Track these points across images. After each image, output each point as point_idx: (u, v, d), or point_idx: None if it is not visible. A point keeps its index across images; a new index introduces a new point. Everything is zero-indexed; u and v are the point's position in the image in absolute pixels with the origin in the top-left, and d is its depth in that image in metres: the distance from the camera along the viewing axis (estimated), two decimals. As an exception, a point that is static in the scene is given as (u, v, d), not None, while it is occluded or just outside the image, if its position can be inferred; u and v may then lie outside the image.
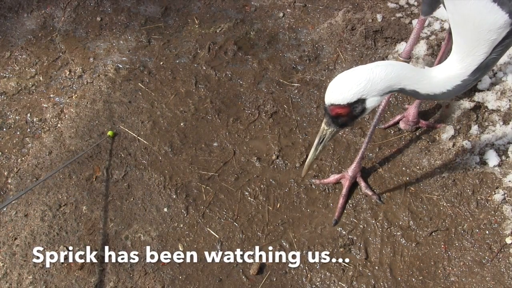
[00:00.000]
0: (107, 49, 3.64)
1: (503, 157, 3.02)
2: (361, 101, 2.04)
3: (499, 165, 2.99)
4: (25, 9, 3.82)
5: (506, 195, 2.89)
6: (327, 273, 2.78)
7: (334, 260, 2.81)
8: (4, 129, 3.31)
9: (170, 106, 3.37)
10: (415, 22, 2.73)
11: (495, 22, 1.88)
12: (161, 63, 3.57)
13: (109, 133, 3.20)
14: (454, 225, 2.87)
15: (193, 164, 3.14)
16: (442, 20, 3.59)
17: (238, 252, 2.84)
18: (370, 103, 2.06)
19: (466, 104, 3.23)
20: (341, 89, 2.01)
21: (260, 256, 2.83)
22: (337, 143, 3.19)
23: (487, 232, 2.83)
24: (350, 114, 2.07)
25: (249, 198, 3.02)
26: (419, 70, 2.12)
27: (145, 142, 3.22)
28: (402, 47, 3.48)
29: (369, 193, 2.97)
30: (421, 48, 3.47)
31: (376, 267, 2.78)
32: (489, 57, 2.01)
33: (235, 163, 3.15)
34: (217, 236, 2.90)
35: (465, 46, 2.00)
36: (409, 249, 2.83)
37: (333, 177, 3.02)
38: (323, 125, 2.18)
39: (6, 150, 3.22)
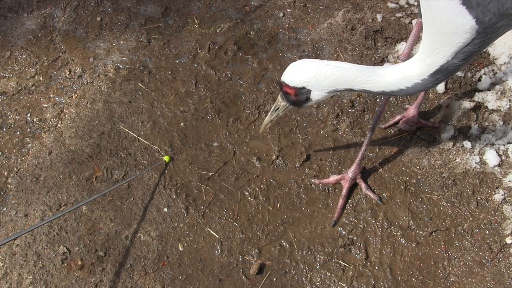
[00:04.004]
0: (107, 49, 3.64)
1: (503, 157, 3.02)
2: (306, 90, 2.27)
3: (499, 165, 2.99)
4: (25, 9, 3.82)
5: (506, 195, 2.89)
6: (327, 273, 2.78)
7: (334, 260, 2.81)
8: (4, 129, 3.31)
9: (170, 106, 3.37)
10: (415, 22, 2.73)
11: (462, 25, 1.88)
12: (161, 63, 3.57)
13: (166, 158, 3.13)
14: (454, 225, 2.87)
15: (193, 164, 3.15)
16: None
17: (238, 252, 2.84)
18: (314, 96, 2.29)
19: (466, 104, 3.23)
20: (292, 73, 2.27)
21: (260, 255, 2.83)
22: (337, 143, 3.19)
23: (487, 232, 2.83)
24: (296, 96, 2.33)
25: (249, 198, 3.02)
26: (368, 70, 2.18)
27: (145, 142, 3.22)
28: (402, 47, 3.48)
29: (370, 194, 2.97)
30: (421, 48, 3.46)
31: (376, 267, 2.79)
32: (450, 62, 2.01)
33: (235, 163, 3.15)
34: (217, 236, 2.90)
35: (429, 45, 2.02)
36: (409, 249, 2.83)
37: (333, 178, 3.02)
38: (279, 96, 2.48)
39: (6, 150, 3.22)
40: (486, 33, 1.92)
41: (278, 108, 2.53)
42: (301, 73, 2.23)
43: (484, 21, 1.86)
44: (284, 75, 2.31)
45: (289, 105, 2.47)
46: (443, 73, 2.07)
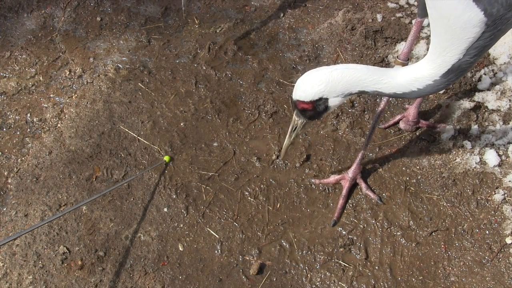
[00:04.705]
0: (107, 49, 3.64)
1: (503, 157, 3.02)
2: (323, 100, 2.20)
3: (499, 165, 2.99)
4: (25, 9, 3.82)
5: (506, 195, 2.89)
6: (327, 273, 2.78)
7: (334, 260, 2.81)
8: (4, 129, 3.31)
9: (170, 106, 3.37)
10: (414, 22, 2.73)
11: (470, 19, 1.85)
12: (161, 63, 3.57)
13: (166, 158, 3.12)
14: (454, 225, 2.87)
15: (193, 164, 3.15)
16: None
17: (238, 252, 2.85)
18: (332, 103, 2.23)
19: (466, 104, 3.23)
20: (304, 87, 2.19)
21: (260, 255, 2.83)
22: (337, 143, 3.19)
23: (487, 232, 2.83)
24: (314, 109, 2.25)
25: (249, 198, 3.02)
26: (379, 71, 2.14)
27: (145, 142, 3.22)
28: (402, 47, 3.48)
29: (370, 194, 2.97)
30: (421, 48, 3.47)
31: (376, 267, 2.79)
32: (462, 60, 1.98)
33: (235, 163, 3.15)
34: (217, 236, 2.90)
35: (439, 45, 1.98)
36: (409, 249, 2.83)
37: (333, 178, 3.02)
38: (294, 116, 2.38)
39: (6, 150, 3.22)
40: (496, 25, 1.88)
41: (295, 127, 2.43)
42: (313, 84, 2.17)
43: (493, 12, 1.83)
44: (295, 93, 2.24)
45: (307, 121, 2.38)
46: (455, 72, 2.03)
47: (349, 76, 2.12)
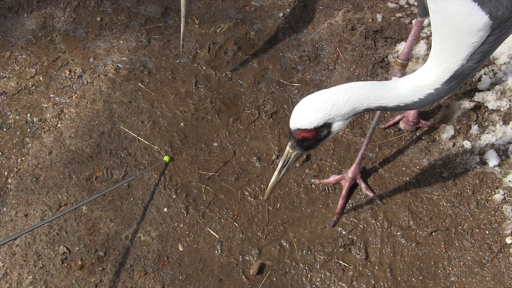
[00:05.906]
0: (107, 49, 3.64)
1: (503, 157, 3.02)
2: (327, 125, 2.07)
3: (499, 165, 2.99)
4: (25, 9, 3.82)
5: (506, 195, 2.89)
6: (327, 273, 2.78)
7: (334, 260, 2.81)
8: (4, 129, 3.31)
9: (170, 106, 3.37)
10: (414, 21, 2.73)
11: (475, 23, 1.82)
12: (161, 63, 3.57)
13: (166, 158, 3.13)
14: (454, 225, 2.87)
15: (193, 164, 3.15)
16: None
17: (238, 252, 2.85)
18: (336, 127, 2.10)
19: (466, 104, 3.23)
20: (307, 113, 2.04)
21: (260, 255, 2.83)
22: (337, 143, 3.19)
23: (487, 232, 2.83)
24: (315, 137, 2.10)
25: (249, 198, 3.03)
26: (382, 84, 2.08)
27: (145, 142, 3.22)
28: (402, 47, 3.48)
29: (370, 194, 2.97)
30: (421, 48, 3.47)
31: (376, 267, 2.79)
32: (466, 65, 1.94)
33: (235, 163, 3.15)
34: (217, 236, 2.90)
35: (442, 51, 1.94)
36: (409, 249, 2.83)
37: (333, 178, 3.02)
38: (287, 148, 2.19)
39: (6, 150, 3.22)
40: (501, 28, 1.85)
41: (287, 162, 2.22)
42: (318, 110, 2.02)
43: (498, 15, 1.81)
44: (295, 121, 2.06)
45: (302, 152, 2.20)
46: (457, 79, 1.99)
47: (355, 95, 2.03)
